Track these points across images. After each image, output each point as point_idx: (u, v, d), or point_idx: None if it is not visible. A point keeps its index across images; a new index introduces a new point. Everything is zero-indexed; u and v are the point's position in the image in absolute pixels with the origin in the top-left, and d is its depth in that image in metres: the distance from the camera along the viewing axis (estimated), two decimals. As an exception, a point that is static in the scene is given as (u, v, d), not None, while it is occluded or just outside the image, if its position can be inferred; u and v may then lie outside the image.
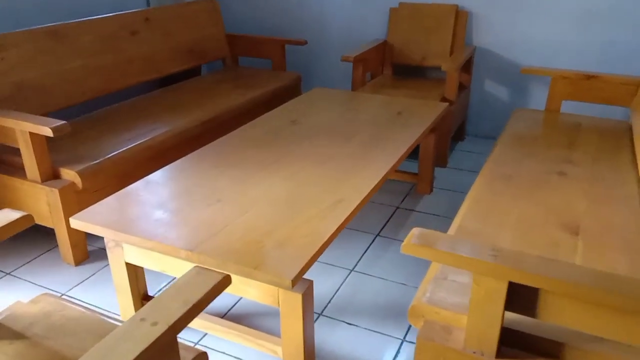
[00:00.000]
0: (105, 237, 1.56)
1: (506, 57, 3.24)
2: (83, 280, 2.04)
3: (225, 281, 1.05)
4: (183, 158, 1.96)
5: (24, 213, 1.22)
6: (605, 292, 1.00)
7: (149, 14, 2.98)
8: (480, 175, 1.98)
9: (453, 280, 1.37)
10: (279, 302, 1.44)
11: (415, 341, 1.70)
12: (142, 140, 2.29)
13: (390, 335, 1.75)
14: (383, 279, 2.05)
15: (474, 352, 1.19)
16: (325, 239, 1.45)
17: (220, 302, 1.94)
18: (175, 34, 3.16)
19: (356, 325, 1.80)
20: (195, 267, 1.09)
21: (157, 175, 1.83)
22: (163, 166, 2.47)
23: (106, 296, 1.96)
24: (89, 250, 2.22)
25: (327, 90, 2.84)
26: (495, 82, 3.33)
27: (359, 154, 2.00)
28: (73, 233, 2.08)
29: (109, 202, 1.65)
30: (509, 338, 1.21)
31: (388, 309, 1.88)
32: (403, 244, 1.16)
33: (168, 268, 1.55)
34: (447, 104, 2.61)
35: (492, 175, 1.96)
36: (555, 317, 1.11)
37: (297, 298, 1.39)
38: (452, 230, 1.64)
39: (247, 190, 1.72)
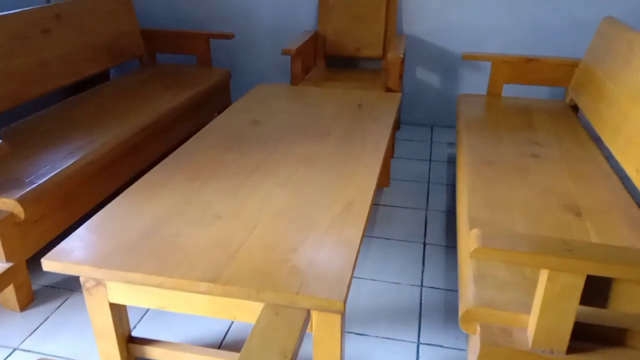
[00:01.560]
0: (85, 276, 1.30)
1: (437, 44, 3.29)
2: (36, 328, 1.71)
3: (308, 318, 0.89)
4: (149, 173, 1.71)
5: None
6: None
7: (59, 9, 2.59)
8: (463, 163, 1.96)
9: (494, 277, 1.32)
10: (311, 327, 1.29)
11: (431, 343, 1.65)
12: (84, 154, 1.97)
13: (404, 340, 1.67)
14: (374, 279, 1.96)
15: (543, 351, 1.15)
16: (356, 249, 1.32)
17: (206, 329, 1.73)
18: (90, 32, 2.78)
19: (366, 335, 1.70)
20: (268, 306, 0.91)
21: (128, 196, 1.57)
22: (111, 182, 2.18)
23: (72, 343, 1.66)
24: (34, 290, 1.88)
25: (273, 86, 2.68)
26: (427, 70, 3.37)
27: (343, 151, 1.88)
28: (16, 273, 1.73)
29: (82, 235, 1.38)
30: (575, 331, 1.18)
31: (391, 312, 1.80)
32: (473, 249, 1.07)
33: (171, 304, 1.32)
34: (400, 94, 2.57)
35: (474, 163, 1.95)
36: (627, 305, 1.09)
37: (335, 320, 1.25)
38: (464, 222, 1.59)
39: (244, 202, 1.53)
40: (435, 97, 3.42)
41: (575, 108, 2.61)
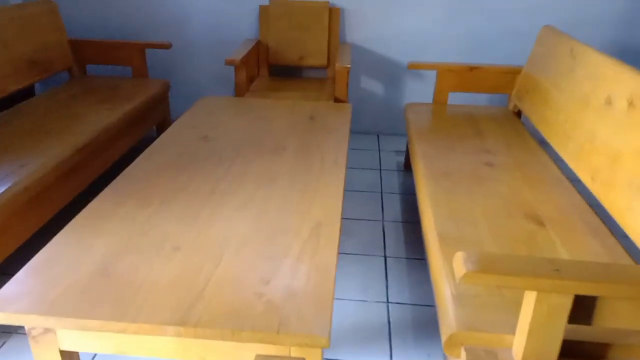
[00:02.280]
0: (31, 325, 1.15)
1: (379, 52, 3.29)
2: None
3: (304, 367, 0.82)
4: (95, 201, 1.56)
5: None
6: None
7: (-25, 18, 2.35)
8: (422, 175, 1.94)
9: (473, 296, 1.29)
10: (288, 361, 1.21)
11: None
12: (15, 180, 1.78)
13: (377, 362, 1.62)
14: (339, 298, 1.90)
15: (531, 372, 1.13)
16: (333, 276, 1.25)
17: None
18: (12, 43, 2.55)
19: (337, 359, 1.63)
20: (258, 356, 0.82)
21: (73, 229, 1.41)
22: (47, 210, 1.99)
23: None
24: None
25: (217, 98, 2.56)
26: (370, 78, 3.36)
27: (301, 167, 1.81)
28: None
29: (24, 278, 1.22)
30: (562, 349, 1.17)
31: (360, 332, 1.74)
32: (462, 274, 1.03)
33: (133, 349, 1.19)
34: (350, 105, 2.53)
35: (432, 174, 1.93)
36: (611, 320, 1.09)
37: (316, 354, 1.17)
38: (433, 238, 1.56)
39: (204, 230, 1.42)
40: (379, 105, 3.41)
41: (518, 114, 2.68)
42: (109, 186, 1.64)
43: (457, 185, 1.86)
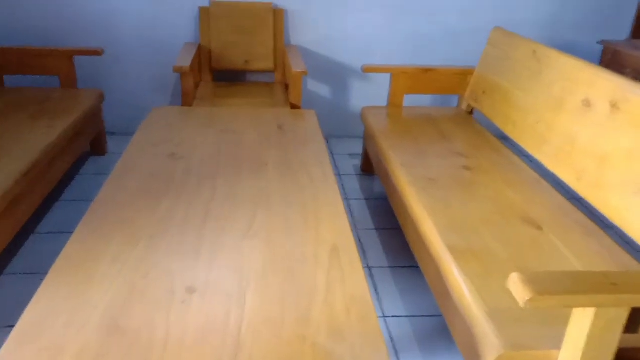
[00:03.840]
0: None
1: (325, 54, 3.22)
2: None
3: None
4: (71, 242, 1.35)
5: None
6: None
7: None
8: (406, 183, 1.90)
9: (506, 310, 1.27)
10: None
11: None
12: (-43, 222, 1.50)
13: (390, 383, 1.56)
14: (332, 318, 1.81)
15: (583, 385, 1.12)
16: (373, 308, 1.17)
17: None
18: None
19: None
20: None
21: (56, 280, 1.21)
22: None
23: None
24: None
25: (170, 109, 2.36)
26: (317, 81, 3.29)
27: (291, 184, 1.70)
28: None
29: (13, 350, 1.01)
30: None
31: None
32: (528, 298, 0.99)
33: (160, 414, 1.04)
34: (314, 111, 2.45)
35: (417, 182, 1.90)
36: (656, 326, 1.11)
37: (367, 392, 1.09)
38: (441, 250, 1.52)
39: (214, 266, 1.27)
40: (327, 108, 3.35)
41: (470, 114, 2.74)
42: (81, 222, 1.43)
43: (446, 192, 1.84)
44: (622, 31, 3.26)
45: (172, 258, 1.30)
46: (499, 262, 1.47)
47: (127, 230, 1.40)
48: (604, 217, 1.79)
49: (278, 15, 3.05)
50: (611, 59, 3.02)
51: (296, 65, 2.66)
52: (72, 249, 1.31)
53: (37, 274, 1.94)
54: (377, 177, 2.90)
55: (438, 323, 1.81)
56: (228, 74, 3.20)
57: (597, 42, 3.16)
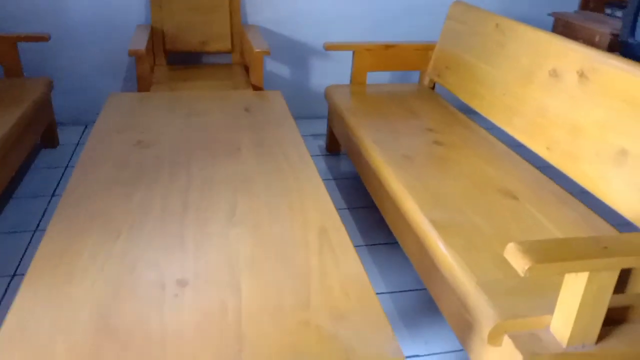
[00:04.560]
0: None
1: (284, 33, 3.15)
2: None
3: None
4: (46, 239, 1.26)
5: None
6: None
7: None
8: (381, 161, 1.89)
9: (496, 282, 1.29)
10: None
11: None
12: None
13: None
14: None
15: (576, 348, 1.16)
16: (370, 287, 1.16)
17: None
18: None
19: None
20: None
21: (36, 279, 1.13)
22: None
23: None
24: None
25: (128, 96, 2.24)
26: (275, 61, 3.22)
27: (269, 168, 1.65)
28: None
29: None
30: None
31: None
32: (528, 267, 1.01)
33: (162, 412, 0.99)
34: (280, 92, 2.39)
35: (392, 160, 1.90)
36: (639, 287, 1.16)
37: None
38: (426, 226, 1.53)
39: (201, 255, 1.22)
40: (287, 89, 3.29)
41: (432, 89, 2.76)
42: (53, 218, 1.34)
43: (422, 168, 1.85)
44: (572, 3, 3.36)
45: (156, 250, 1.24)
46: (482, 234, 1.49)
47: (103, 223, 1.33)
48: (576, 185, 1.85)
49: (234, -6, 2.95)
50: (562, 31, 3.11)
51: (257, 45, 2.59)
52: (47, 247, 1.23)
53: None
54: (343, 156, 2.89)
55: (420, 297, 1.83)
56: (182, 56, 3.08)
57: (548, 14, 3.24)
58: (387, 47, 2.74)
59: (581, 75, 1.69)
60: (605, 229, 1.54)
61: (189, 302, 1.08)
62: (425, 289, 1.87)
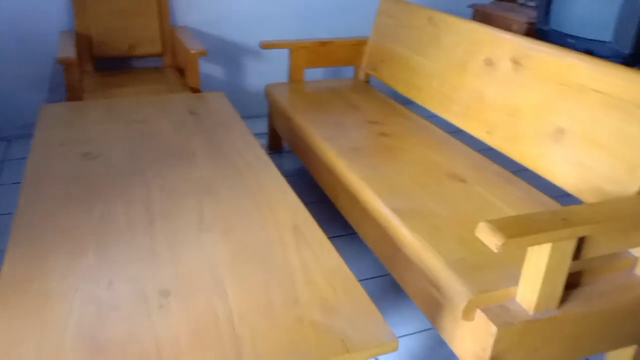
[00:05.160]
0: None
1: (214, 34, 3.11)
2: None
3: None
4: (7, 264, 1.19)
5: None
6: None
7: None
8: (334, 155, 1.94)
9: (463, 259, 1.36)
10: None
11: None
12: None
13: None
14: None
15: (542, 314, 1.25)
16: (353, 276, 1.19)
17: None
18: None
19: None
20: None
21: (5, 305, 1.06)
22: None
23: None
24: None
25: (61, 106, 2.13)
26: (207, 62, 3.17)
27: (228, 171, 1.64)
28: None
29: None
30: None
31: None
32: (501, 243, 1.08)
33: None
34: (223, 93, 2.37)
35: (343, 153, 1.94)
36: (593, 251, 1.27)
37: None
38: (388, 215, 1.59)
39: (179, 264, 1.20)
40: (223, 90, 3.25)
41: (367, 82, 2.84)
42: (10, 240, 1.26)
43: (373, 159, 1.91)
44: (487, -5, 3.57)
45: (131, 263, 1.20)
46: (441, 217, 1.56)
47: (67, 241, 1.27)
48: (514, 164, 1.99)
49: (161, -4, 2.87)
50: (481, 22, 3.29)
51: (193, 46, 2.54)
52: (11, 272, 1.15)
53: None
54: (285, 154, 2.91)
55: (383, 283, 1.89)
56: (111, 62, 2.96)
57: (467, 6, 3.42)
58: (323, 43, 2.78)
59: (515, 62, 1.81)
60: (549, 203, 1.67)
61: (177, 311, 1.06)
62: (386, 275, 1.94)
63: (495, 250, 1.10)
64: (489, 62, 1.93)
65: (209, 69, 3.18)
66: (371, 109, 2.41)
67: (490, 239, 1.11)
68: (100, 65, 2.92)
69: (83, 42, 2.76)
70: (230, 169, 1.66)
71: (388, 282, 1.90)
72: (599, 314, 1.31)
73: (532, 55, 1.75)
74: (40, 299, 1.08)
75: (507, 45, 1.85)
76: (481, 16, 3.32)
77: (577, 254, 1.24)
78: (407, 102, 3.42)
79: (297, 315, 1.07)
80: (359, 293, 1.13)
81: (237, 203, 1.47)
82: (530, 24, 2.92)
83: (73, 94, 2.41)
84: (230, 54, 3.19)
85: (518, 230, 1.12)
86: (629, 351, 1.46)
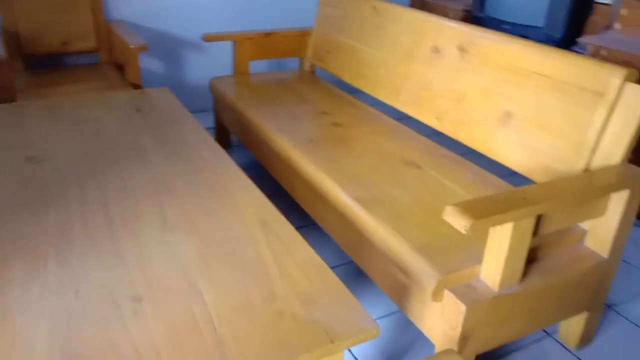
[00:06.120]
0: None
1: (151, 27, 3.00)
2: None
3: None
4: (-47, 277, 1.10)
5: None
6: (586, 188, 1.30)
7: None
8: (291, 148, 1.93)
9: (428, 244, 1.40)
10: None
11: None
12: None
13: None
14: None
15: (506, 290, 1.32)
16: (328, 268, 1.20)
17: None
18: None
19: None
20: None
21: None
22: None
23: None
24: None
25: (-5, 107, 2.00)
26: (146, 56, 3.06)
27: (185, 168, 1.60)
28: None
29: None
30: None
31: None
32: (470, 224, 1.12)
33: None
34: (168, 88, 2.30)
35: (299, 145, 1.94)
36: (550, 227, 1.35)
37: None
38: (351, 204, 1.61)
39: (147, 267, 1.16)
40: (164, 84, 3.16)
41: (313, 73, 2.85)
42: (-43, 253, 1.18)
43: (330, 150, 1.92)
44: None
45: (96, 269, 1.15)
46: (402, 203, 1.60)
47: (23, 250, 1.20)
48: (463, 147, 2.06)
49: (93, -12, 2.73)
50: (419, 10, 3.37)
51: (132, 40, 2.44)
52: (-37, 288, 1.08)
53: None
54: (235, 148, 2.87)
55: (346, 271, 1.91)
56: (42, 59, 2.80)
57: (404, -4, 3.49)
58: (267, 34, 2.75)
59: (461, 49, 1.87)
60: (500, 183, 1.74)
61: (153, 316, 1.03)
62: (349, 262, 1.97)
63: (464, 232, 1.14)
64: (436, 50, 1.98)
65: (148, 63, 3.07)
66: (321, 100, 2.41)
67: (458, 222, 1.15)
68: (32, 64, 2.75)
69: (11, 39, 2.59)
70: (187, 166, 1.62)
71: (351, 269, 1.93)
72: (556, 285, 1.39)
73: (477, 42, 1.81)
74: (2, 314, 1.01)
75: (453, 33, 1.91)
76: (419, 5, 3.40)
77: (535, 231, 1.31)
78: (353, 91, 3.45)
79: (276, 309, 1.06)
80: (335, 282, 1.14)
81: (200, 201, 1.43)
82: (467, 11, 3.02)
83: (5, 94, 2.26)
84: (171, 48, 3.10)
85: (484, 212, 1.16)
86: (581, 318, 1.56)
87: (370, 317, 1.05)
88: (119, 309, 1.05)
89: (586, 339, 1.62)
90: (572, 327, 1.60)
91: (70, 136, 1.78)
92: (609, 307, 1.80)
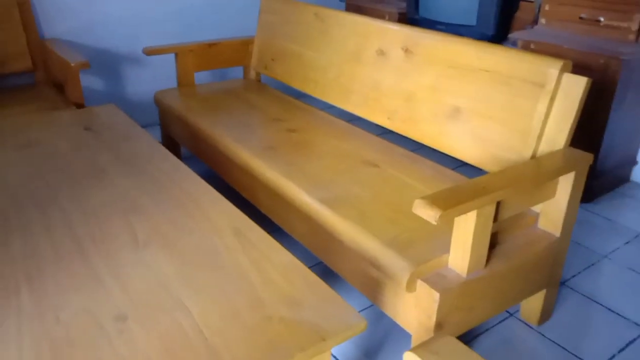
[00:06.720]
0: None
1: (87, 43, 2.92)
2: None
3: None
4: None
5: None
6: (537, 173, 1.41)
7: None
8: (248, 157, 1.94)
9: (396, 237, 1.46)
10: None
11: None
12: None
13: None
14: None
15: (474, 275, 1.39)
16: (303, 266, 1.22)
17: None
18: None
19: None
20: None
21: None
22: None
23: None
24: None
25: None
26: (86, 74, 2.97)
27: (146, 183, 1.58)
28: None
29: None
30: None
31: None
32: (439, 215, 1.19)
33: None
34: (114, 105, 2.24)
35: (258, 153, 1.96)
36: (507, 212, 1.44)
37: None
38: (317, 205, 1.64)
39: (127, 286, 1.15)
40: (105, 101, 3.07)
41: (259, 81, 2.86)
42: None
43: (289, 156, 1.94)
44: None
45: (74, 293, 1.12)
46: (365, 202, 1.65)
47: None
48: (413, 143, 2.14)
49: (24, 7, 2.62)
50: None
51: (71, 58, 2.37)
52: None
53: None
54: (186, 160, 2.83)
55: (316, 272, 1.93)
56: (-28, 82, 2.66)
57: (340, 0, 3.57)
58: (210, 45, 2.74)
59: (406, 50, 1.96)
60: (454, 176, 1.83)
61: (140, 334, 1.02)
62: (318, 264, 2.00)
63: (434, 222, 1.20)
64: (381, 52, 2.06)
65: (87, 81, 2.98)
66: (271, 107, 2.43)
67: (428, 213, 1.21)
68: (-41, 87, 2.61)
69: None
70: (149, 181, 1.60)
71: (320, 270, 1.96)
72: (517, 267, 1.48)
73: (421, 43, 1.90)
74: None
75: (396, 35, 1.99)
76: (354, 9, 3.48)
77: (495, 217, 1.39)
78: (301, 96, 3.49)
79: (264, 315, 1.08)
80: (317, 282, 1.18)
81: (168, 215, 1.42)
82: (402, 14, 3.14)
83: (-64, 122, 2.14)
84: (110, 64, 3.02)
85: (450, 202, 1.23)
86: (540, 295, 1.67)
87: (356, 312, 1.09)
88: (104, 331, 1.03)
89: (546, 315, 1.74)
90: (532, 305, 1.71)
91: (18, 161, 1.71)
92: (563, 283, 1.93)
